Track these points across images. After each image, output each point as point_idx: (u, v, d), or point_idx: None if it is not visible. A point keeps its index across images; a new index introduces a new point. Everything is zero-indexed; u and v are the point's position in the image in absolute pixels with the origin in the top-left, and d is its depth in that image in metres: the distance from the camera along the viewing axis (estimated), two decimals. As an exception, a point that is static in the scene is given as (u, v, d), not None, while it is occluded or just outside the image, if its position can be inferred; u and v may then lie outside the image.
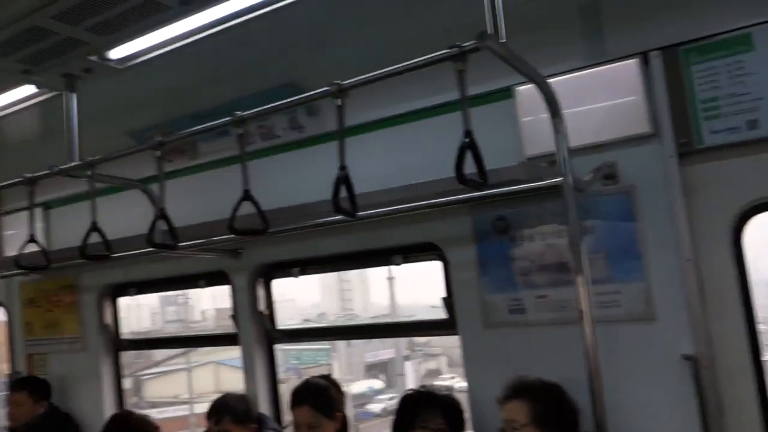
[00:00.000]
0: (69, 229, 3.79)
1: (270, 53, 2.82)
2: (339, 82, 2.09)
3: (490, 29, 1.84)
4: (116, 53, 2.65)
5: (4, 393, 4.54)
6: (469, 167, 1.81)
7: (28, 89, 3.02)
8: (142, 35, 2.49)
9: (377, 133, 2.92)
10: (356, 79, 2.05)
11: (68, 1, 2.20)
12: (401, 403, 2.56)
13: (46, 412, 3.98)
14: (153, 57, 2.72)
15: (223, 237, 2.92)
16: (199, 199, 3.33)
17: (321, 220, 2.60)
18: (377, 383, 19.21)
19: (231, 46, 2.76)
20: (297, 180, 3.12)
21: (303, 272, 3.28)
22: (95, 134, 3.14)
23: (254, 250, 3.30)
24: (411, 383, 15.93)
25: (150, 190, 3.13)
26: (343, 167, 2.08)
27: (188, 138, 2.82)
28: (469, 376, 2.68)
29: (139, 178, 3.34)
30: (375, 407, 18.09)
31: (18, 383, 4.06)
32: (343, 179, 2.09)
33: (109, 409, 4.01)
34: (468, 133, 1.80)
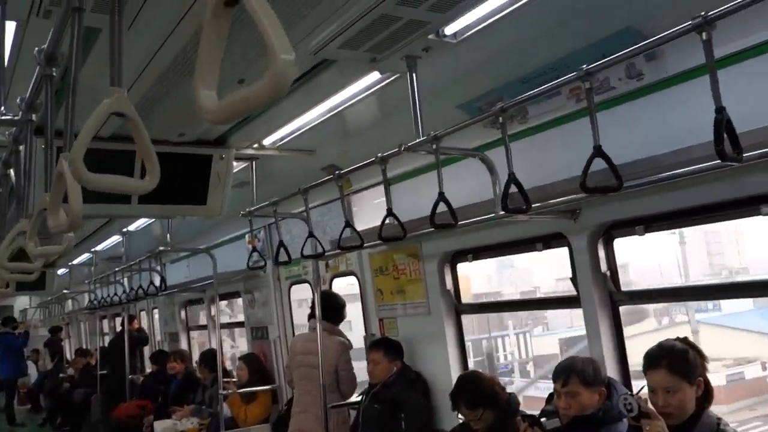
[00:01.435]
0: (405, 202, 4.12)
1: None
2: (704, 14, 1.88)
3: None
4: (452, 29, 2.74)
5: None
6: None
7: (372, 77, 3.29)
8: (478, 5, 2.52)
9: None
10: (728, 6, 1.82)
11: (413, -17, 2.32)
12: None
13: (400, 371, 4.39)
14: (484, 26, 2.76)
15: (567, 198, 2.88)
16: (529, 163, 3.32)
17: (684, 170, 2.39)
18: None
19: (561, -1, 2.68)
20: (637, 132, 2.93)
21: (648, 230, 3.09)
22: (427, 110, 3.32)
23: (593, 209, 3.20)
24: None
25: (487, 158, 3.21)
26: (720, 109, 1.87)
27: (519, 103, 2.82)
28: None
29: (471, 148, 3.45)
30: None
31: (375, 344, 4.53)
32: (724, 122, 1.87)
33: (454, 370, 4.28)
34: None
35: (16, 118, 2.09)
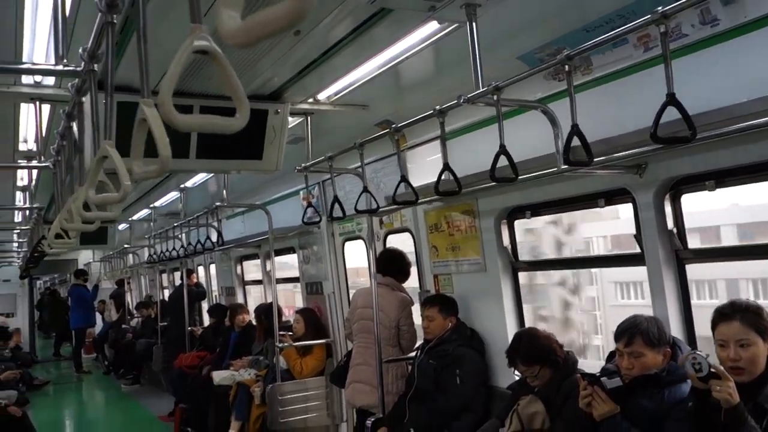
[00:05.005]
0: (461, 157, 4.03)
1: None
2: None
3: None
4: (514, -27, 2.63)
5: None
6: None
7: (429, 28, 3.19)
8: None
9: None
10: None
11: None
12: None
13: (455, 327, 4.37)
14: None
15: (634, 151, 2.76)
16: (592, 116, 3.19)
17: (758, 121, 2.26)
18: None
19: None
20: (710, 82, 2.77)
21: (719, 185, 2.95)
22: (485, 62, 3.21)
23: (660, 163, 3.06)
24: None
25: (549, 110, 3.10)
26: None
27: (585, 51, 2.69)
28: None
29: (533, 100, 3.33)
30: None
31: (429, 300, 4.52)
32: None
33: (510, 327, 4.23)
34: None
35: (78, 69, 2.10)
